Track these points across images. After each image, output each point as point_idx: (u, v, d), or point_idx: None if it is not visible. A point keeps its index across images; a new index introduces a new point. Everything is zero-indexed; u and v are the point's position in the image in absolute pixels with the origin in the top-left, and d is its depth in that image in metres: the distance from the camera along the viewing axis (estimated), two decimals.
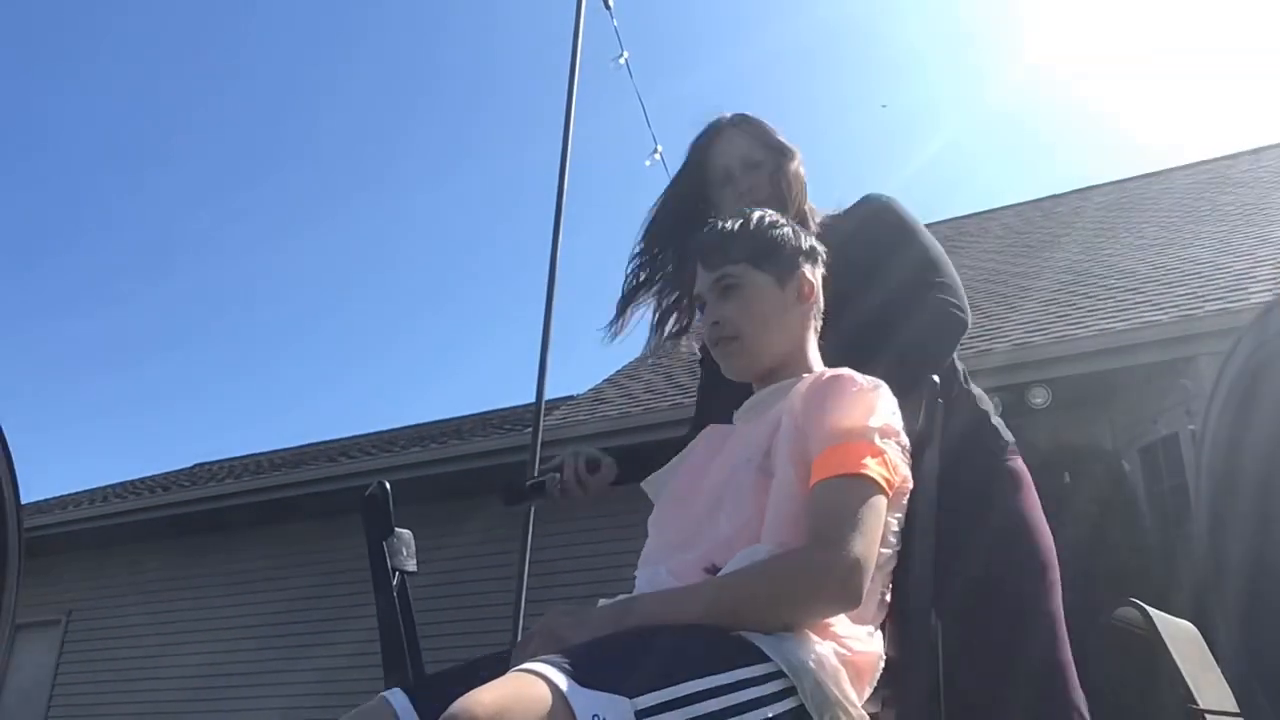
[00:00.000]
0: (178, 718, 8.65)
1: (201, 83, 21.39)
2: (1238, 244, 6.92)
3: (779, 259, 1.44)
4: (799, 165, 1.87)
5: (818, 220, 1.86)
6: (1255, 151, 9.49)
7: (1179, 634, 2.59)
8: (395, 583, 1.59)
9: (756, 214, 1.48)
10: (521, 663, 1.03)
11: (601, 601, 1.24)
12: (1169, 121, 21.77)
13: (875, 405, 1.27)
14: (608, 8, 4.66)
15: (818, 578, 1.13)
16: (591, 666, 0.98)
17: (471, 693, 0.93)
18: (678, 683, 1.00)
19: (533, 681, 0.95)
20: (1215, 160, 9.68)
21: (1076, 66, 20.89)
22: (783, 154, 1.87)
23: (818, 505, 1.20)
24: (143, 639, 9.25)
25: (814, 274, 1.47)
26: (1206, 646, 2.58)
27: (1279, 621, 0.94)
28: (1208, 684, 2.40)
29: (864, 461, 1.20)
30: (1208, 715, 2.31)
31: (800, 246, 1.47)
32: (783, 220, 1.49)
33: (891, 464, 1.23)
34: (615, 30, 4.85)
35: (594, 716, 0.93)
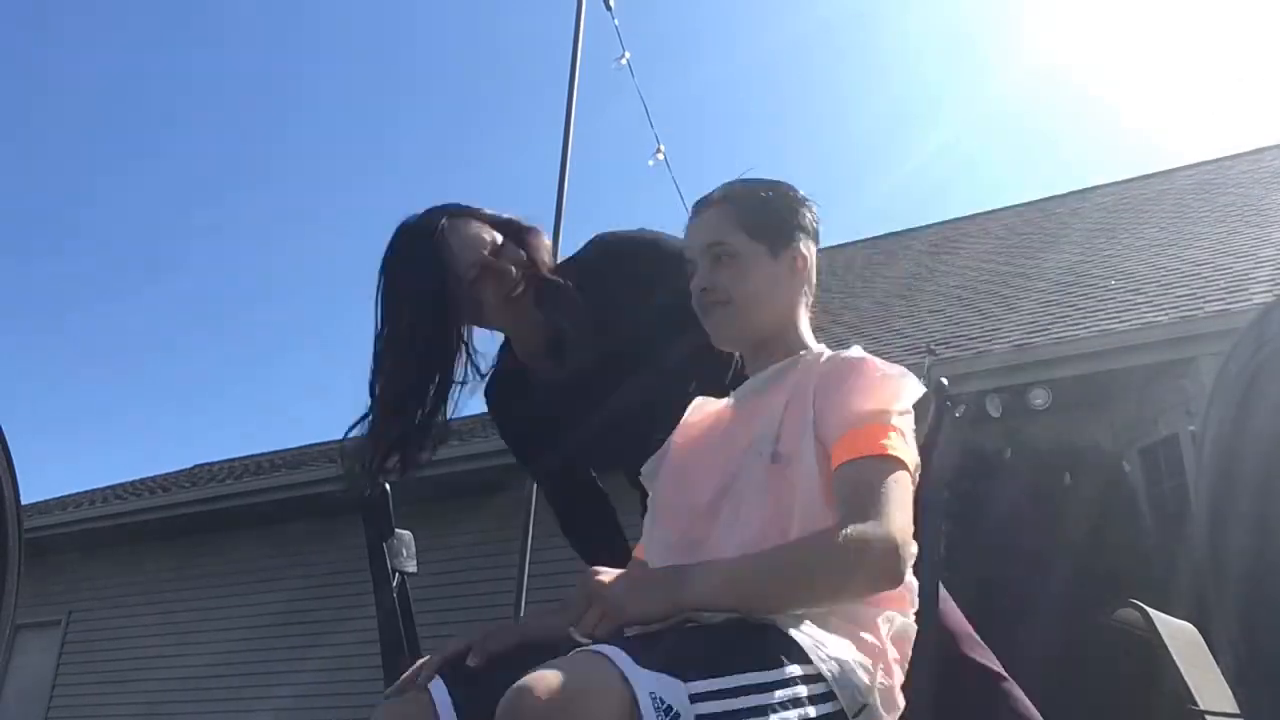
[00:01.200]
0: (177, 718, 8.65)
1: (202, 79, 21.40)
2: (1238, 245, 6.92)
3: (775, 230, 1.42)
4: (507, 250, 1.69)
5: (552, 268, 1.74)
6: (1255, 152, 9.49)
7: (1179, 635, 2.59)
8: (395, 583, 1.59)
9: (755, 184, 1.46)
10: (575, 621, 1.07)
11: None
12: (1171, 120, 21.77)
13: (900, 392, 1.26)
14: (608, 8, 4.66)
15: (862, 554, 1.12)
16: (649, 650, 1.00)
17: (539, 671, 0.96)
18: (729, 673, 1.02)
19: (597, 660, 0.97)
20: (1215, 161, 9.68)
21: (1077, 64, 20.89)
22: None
23: (850, 483, 1.19)
24: (143, 639, 9.25)
25: (808, 248, 1.45)
26: (1206, 647, 2.58)
27: (1277, 621, 0.94)
28: (1207, 685, 2.40)
29: (888, 442, 1.20)
30: (1208, 716, 2.31)
31: (796, 221, 1.45)
32: (780, 192, 1.46)
33: (913, 449, 1.24)
34: (616, 30, 4.86)
35: (651, 694, 0.95)
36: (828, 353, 1.38)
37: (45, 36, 19.65)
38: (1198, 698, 2.35)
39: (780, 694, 1.04)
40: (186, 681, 8.62)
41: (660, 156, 5.40)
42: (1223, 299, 5.67)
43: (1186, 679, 2.38)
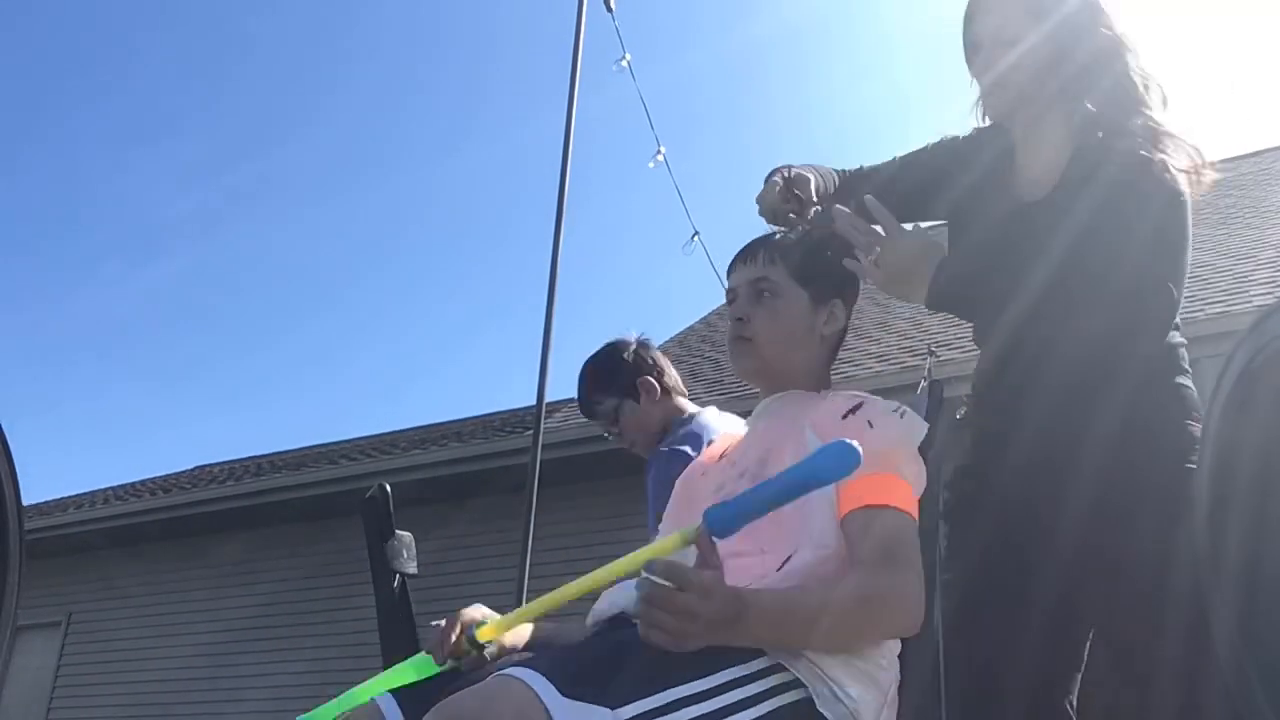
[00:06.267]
0: (179, 718, 8.65)
1: (192, 67, 21.41)
2: (1238, 246, 6.92)
3: (820, 282, 1.46)
4: (1086, 18, 1.51)
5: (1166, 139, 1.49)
6: (1256, 154, 9.50)
7: None
8: (395, 584, 1.60)
9: (814, 233, 1.50)
10: (643, 611, 1.00)
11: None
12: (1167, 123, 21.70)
13: (902, 434, 1.28)
14: (609, 10, 4.66)
15: (895, 603, 1.15)
16: (575, 674, 0.97)
17: (453, 697, 0.94)
18: (662, 689, 0.99)
19: (515, 688, 0.95)
20: (1215, 162, 9.67)
21: None
22: (1058, 27, 1.50)
23: (868, 535, 1.20)
24: (143, 641, 9.25)
25: (846, 308, 1.49)
26: None
27: (1276, 623, 0.94)
28: None
29: (896, 492, 1.22)
30: None
31: (844, 277, 1.49)
32: (836, 248, 1.49)
33: (915, 493, 1.26)
34: (617, 31, 4.85)
35: None
36: (855, 397, 1.39)
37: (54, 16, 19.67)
38: None
39: (722, 699, 1.03)
40: (187, 682, 8.62)
41: (660, 158, 5.39)
42: (1223, 300, 5.66)
43: None
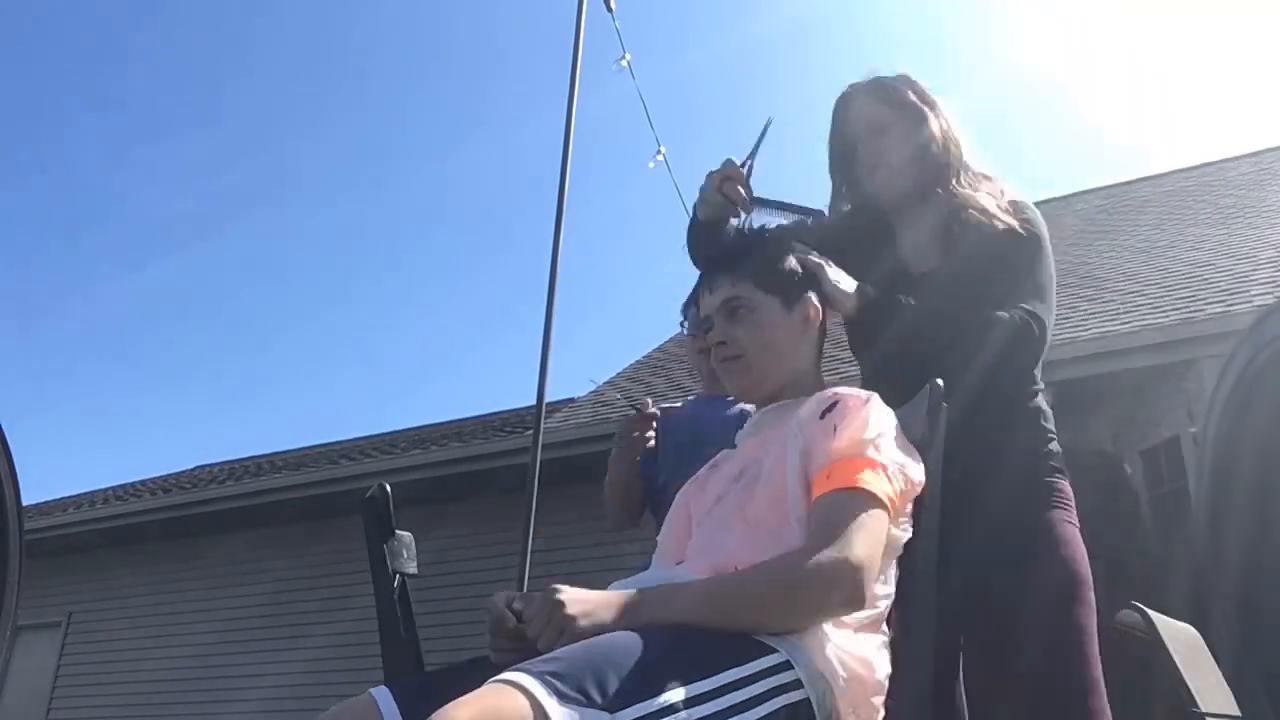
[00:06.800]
0: (179, 719, 8.65)
1: (192, 67, 21.41)
2: (1238, 246, 6.92)
3: (786, 283, 1.46)
4: (940, 123, 1.75)
5: (1004, 200, 1.78)
6: (1255, 154, 9.50)
7: (1180, 637, 2.59)
8: (395, 584, 1.60)
9: (766, 234, 1.50)
10: (536, 635, 1.08)
11: (613, 586, 1.24)
12: (1168, 123, 21.75)
13: (869, 420, 1.28)
14: (609, 10, 4.66)
15: (820, 575, 1.13)
16: (574, 678, 0.97)
17: (448, 706, 0.93)
18: (662, 692, 1.00)
19: (512, 694, 0.94)
20: (1215, 163, 9.69)
21: (1065, 67, 20.89)
22: (915, 113, 1.75)
23: (818, 513, 1.21)
24: (143, 641, 9.25)
25: (819, 300, 1.49)
26: (1207, 649, 2.58)
27: (1276, 622, 0.94)
28: (1208, 687, 2.40)
29: (861, 476, 1.21)
30: (1208, 718, 2.31)
31: (808, 272, 1.49)
32: (792, 243, 1.50)
33: (894, 477, 1.24)
34: (617, 32, 4.85)
35: None
36: (826, 392, 1.39)
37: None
38: (1199, 700, 2.35)
39: (721, 701, 1.03)
40: (187, 682, 8.62)
41: (660, 158, 5.39)
42: (1223, 301, 5.67)
43: (1187, 681, 2.38)
